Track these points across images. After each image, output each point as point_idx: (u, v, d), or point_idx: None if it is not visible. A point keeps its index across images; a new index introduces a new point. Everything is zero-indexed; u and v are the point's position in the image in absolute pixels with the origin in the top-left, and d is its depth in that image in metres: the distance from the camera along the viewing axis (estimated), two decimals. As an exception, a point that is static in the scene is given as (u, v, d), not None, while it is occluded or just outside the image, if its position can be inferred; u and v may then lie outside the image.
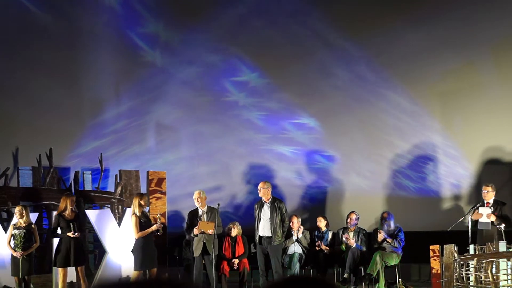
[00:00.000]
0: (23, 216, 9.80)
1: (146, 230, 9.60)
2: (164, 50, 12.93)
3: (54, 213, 9.77)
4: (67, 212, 9.53)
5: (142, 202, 9.65)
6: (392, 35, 12.21)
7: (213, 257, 9.87)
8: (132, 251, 10.26)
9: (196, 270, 10.14)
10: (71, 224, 9.45)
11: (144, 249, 9.59)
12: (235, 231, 10.98)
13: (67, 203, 9.54)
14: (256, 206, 10.32)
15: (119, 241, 10.48)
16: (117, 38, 12.76)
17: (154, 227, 9.66)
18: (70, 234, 9.39)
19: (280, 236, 10.18)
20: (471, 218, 9.66)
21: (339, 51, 12.59)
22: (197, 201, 10.10)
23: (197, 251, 10.05)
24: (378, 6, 12.46)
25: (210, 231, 9.90)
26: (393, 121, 12.37)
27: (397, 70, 12.30)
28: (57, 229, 9.50)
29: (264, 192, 10.19)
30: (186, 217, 10.38)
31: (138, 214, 9.59)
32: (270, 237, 10.13)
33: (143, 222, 9.62)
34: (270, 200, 10.21)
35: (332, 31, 12.50)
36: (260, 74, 12.79)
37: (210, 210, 10.18)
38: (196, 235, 10.00)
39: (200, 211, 10.16)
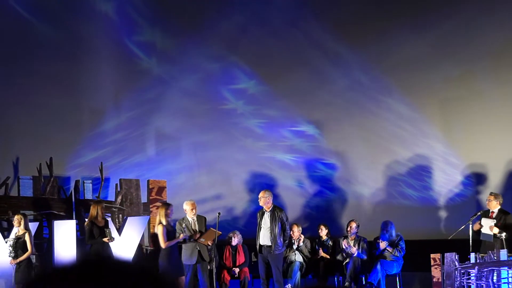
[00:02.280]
0: (20, 224, 9.81)
1: (174, 240, 9.67)
2: (161, 58, 12.93)
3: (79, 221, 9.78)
4: (98, 218, 9.56)
5: (168, 212, 9.69)
6: (391, 42, 12.20)
7: (214, 265, 9.91)
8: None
9: (189, 278, 10.15)
10: (105, 230, 9.49)
11: (170, 259, 9.65)
12: (236, 240, 10.97)
13: (98, 209, 9.58)
14: (258, 214, 10.32)
15: (119, 250, 10.45)
16: (115, 47, 12.75)
17: (181, 236, 9.72)
18: (105, 239, 9.47)
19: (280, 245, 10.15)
20: (471, 227, 9.65)
21: (338, 59, 12.59)
22: (190, 211, 10.27)
23: (192, 258, 10.06)
24: (378, 13, 12.47)
25: (210, 242, 9.94)
26: (393, 129, 12.35)
27: (397, 78, 12.29)
28: (91, 236, 9.51)
29: (264, 201, 10.17)
30: (177, 227, 10.40)
31: (164, 223, 9.63)
32: (270, 246, 10.10)
33: (170, 231, 9.68)
34: (270, 208, 10.19)
35: (331, 39, 12.49)
36: (258, 81, 12.78)
37: (199, 218, 10.30)
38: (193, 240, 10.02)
39: (190, 220, 10.16)
